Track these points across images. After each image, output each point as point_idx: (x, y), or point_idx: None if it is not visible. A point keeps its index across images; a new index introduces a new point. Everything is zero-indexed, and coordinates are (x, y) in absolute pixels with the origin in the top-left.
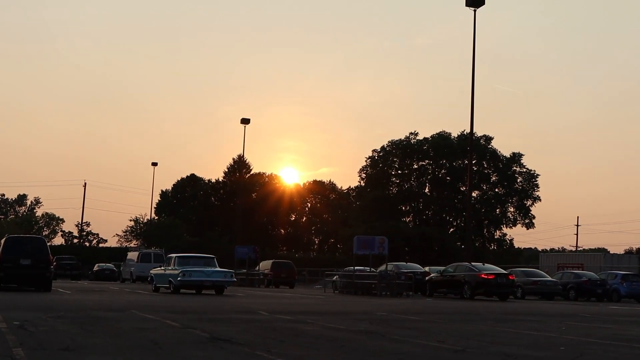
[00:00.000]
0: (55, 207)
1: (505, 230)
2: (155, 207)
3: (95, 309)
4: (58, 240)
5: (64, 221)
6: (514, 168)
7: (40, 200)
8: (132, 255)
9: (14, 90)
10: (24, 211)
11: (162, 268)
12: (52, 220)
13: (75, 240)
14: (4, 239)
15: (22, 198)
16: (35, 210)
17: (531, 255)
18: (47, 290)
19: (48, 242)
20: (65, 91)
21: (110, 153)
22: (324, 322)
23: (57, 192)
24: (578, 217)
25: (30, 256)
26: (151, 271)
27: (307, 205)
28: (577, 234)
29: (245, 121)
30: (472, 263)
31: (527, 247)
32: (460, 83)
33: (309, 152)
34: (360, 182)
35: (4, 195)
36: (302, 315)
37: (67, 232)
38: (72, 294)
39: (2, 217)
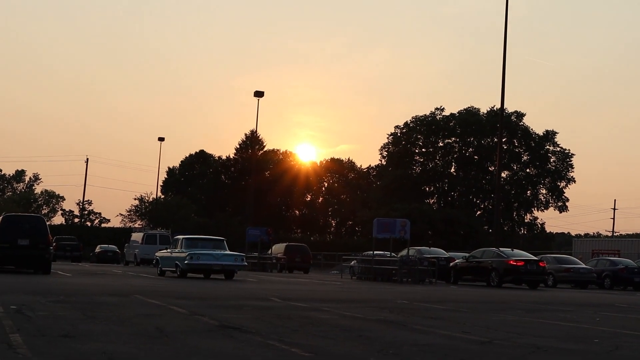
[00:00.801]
0: (55, 184)
1: (536, 213)
2: (161, 186)
3: (97, 293)
4: (58, 220)
5: (64, 199)
6: (547, 147)
7: (40, 176)
8: (137, 237)
9: (12, 57)
10: (22, 188)
11: (169, 250)
12: (52, 198)
13: (76, 220)
14: (0, 217)
15: (20, 174)
16: (34, 188)
17: (564, 241)
18: (46, 273)
19: (47, 221)
20: (68, 57)
21: (114, 127)
22: (340, 310)
23: (57, 168)
24: (615, 200)
25: (29, 236)
26: (156, 254)
27: (324, 185)
28: (613, 218)
29: (258, 94)
30: (500, 248)
31: (559, 231)
32: (490, 55)
33: (326, 128)
34: (381, 160)
35: (0, 170)
36: (317, 303)
37: (67, 211)
38: (72, 276)
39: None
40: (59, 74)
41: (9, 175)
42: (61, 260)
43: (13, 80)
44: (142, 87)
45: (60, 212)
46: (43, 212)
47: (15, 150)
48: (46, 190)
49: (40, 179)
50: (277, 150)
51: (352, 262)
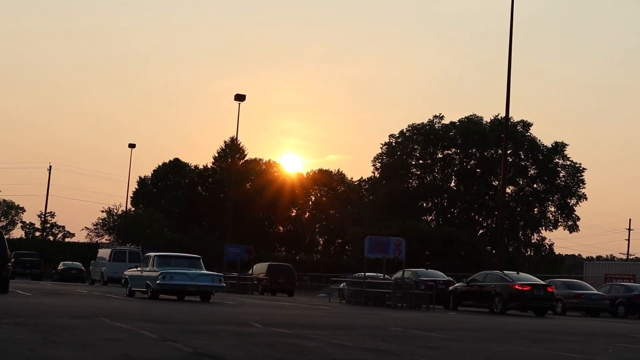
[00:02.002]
0: (14, 193)
1: (544, 233)
2: (131, 197)
3: (59, 315)
4: (17, 233)
5: (24, 210)
6: (556, 160)
7: None
8: (104, 253)
9: None
10: None
11: (139, 269)
12: (11, 209)
13: (37, 234)
14: None
15: None
16: None
17: (574, 264)
18: (3, 292)
19: (5, 234)
20: (29, 54)
21: (80, 131)
22: (328, 338)
23: (16, 175)
24: (630, 219)
25: None
26: (125, 272)
27: (311, 199)
28: (628, 240)
29: (239, 98)
30: (505, 271)
31: (569, 253)
32: (494, 58)
33: (314, 136)
34: (374, 172)
35: None
36: (302, 329)
37: (27, 224)
38: (32, 296)
39: None
40: (20, 72)
41: None
42: (20, 278)
43: None
44: (112, 89)
45: (19, 225)
46: (0, 224)
47: None
48: (4, 201)
49: None
50: (260, 159)
51: (342, 285)
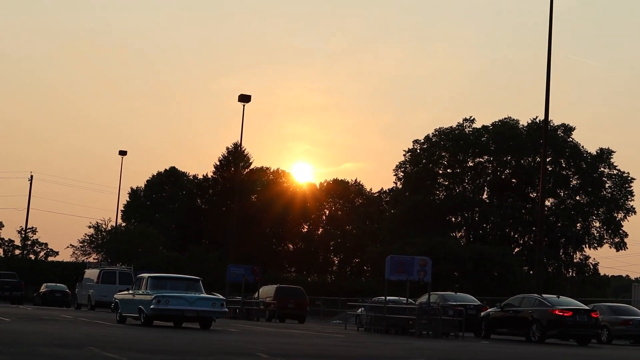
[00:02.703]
0: None
1: (587, 251)
2: (122, 211)
3: (42, 343)
4: None
5: (2, 226)
6: (602, 169)
7: None
8: (91, 274)
9: None
10: None
11: (131, 292)
12: None
13: (17, 252)
14: None
15: None
16: None
17: (622, 286)
18: None
19: None
20: (10, 51)
21: (64, 137)
22: None
23: None
24: None
25: None
26: (115, 296)
27: (325, 213)
28: None
29: (244, 99)
30: (543, 295)
31: (616, 274)
32: (532, 54)
33: (328, 142)
34: (396, 183)
35: None
36: None
37: (6, 241)
38: (12, 322)
39: None
40: None
41: None
42: None
43: None
44: (101, 88)
45: None
46: None
47: None
48: None
49: None
50: (267, 168)
51: (359, 310)
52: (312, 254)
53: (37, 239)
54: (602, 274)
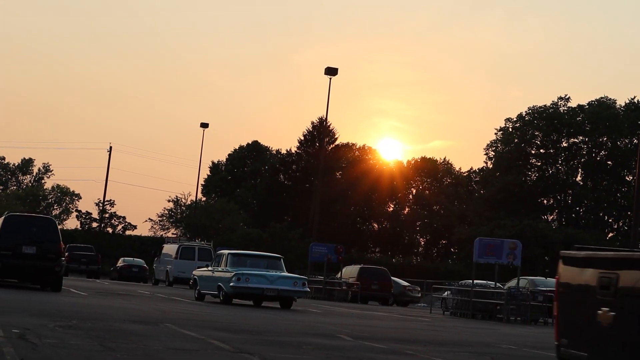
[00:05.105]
0: (69, 177)
1: None
2: (202, 185)
3: (118, 319)
4: (72, 223)
5: (80, 197)
6: None
7: (51, 167)
8: (169, 249)
9: (21, 27)
10: (29, 181)
11: (210, 268)
12: (65, 196)
13: (95, 225)
14: (2, 217)
15: (27, 164)
16: (43, 181)
17: None
18: (56, 290)
19: (59, 224)
20: (86, 28)
21: (144, 109)
22: (428, 355)
23: (72, 157)
24: None
25: (36, 243)
26: (194, 272)
27: (412, 192)
28: None
29: (331, 72)
30: None
31: None
32: (632, 31)
33: (416, 119)
34: (486, 162)
35: (4, 159)
36: (398, 344)
37: (83, 213)
38: (88, 296)
39: (1, 187)
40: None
41: (14, 165)
42: (74, 274)
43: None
44: (181, 64)
45: (74, 214)
46: (54, 212)
47: (21, 135)
48: (58, 186)
49: (51, 171)
50: (352, 145)
51: (445, 293)
52: (397, 234)
53: (115, 212)
54: None
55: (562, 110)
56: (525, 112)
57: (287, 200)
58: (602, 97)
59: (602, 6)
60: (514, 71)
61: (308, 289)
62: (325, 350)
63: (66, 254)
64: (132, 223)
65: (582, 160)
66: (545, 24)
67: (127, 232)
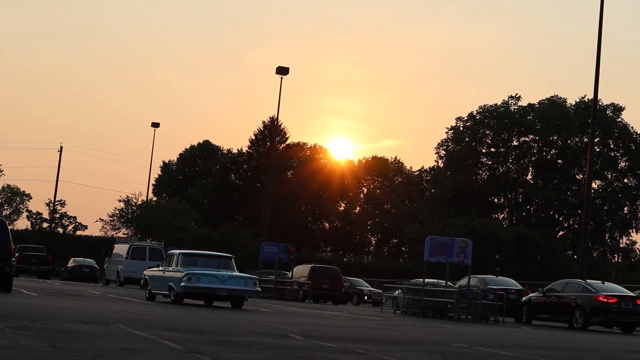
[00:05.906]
0: (20, 177)
1: (634, 236)
2: (153, 185)
3: (69, 319)
4: (22, 224)
5: (30, 198)
6: None
7: (1, 167)
8: (120, 249)
9: None
10: None
11: (160, 268)
12: (16, 196)
13: (45, 225)
14: None
15: None
16: None
17: None
18: (6, 291)
19: (9, 224)
20: (36, 25)
21: (95, 108)
22: (379, 354)
23: (23, 157)
24: None
25: None
26: (145, 272)
27: (363, 191)
28: None
29: (282, 71)
30: (588, 280)
31: None
32: (582, 29)
33: (367, 118)
34: (437, 161)
35: None
36: (349, 343)
37: (34, 213)
38: (38, 297)
39: None
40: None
41: None
42: (25, 275)
43: None
44: (131, 64)
45: (25, 214)
46: (4, 212)
47: None
48: (8, 186)
49: (1, 171)
50: (304, 144)
51: (396, 292)
52: (348, 233)
53: (65, 212)
54: None
55: (512, 109)
56: (476, 111)
57: (238, 199)
58: (552, 96)
59: (552, 6)
60: (465, 70)
61: (259, 289)
62: (277, 349)
63: (16, 254)
64: (83, 223)
65: (533, 158)
66: (496, 23)
67: (78, 233)
